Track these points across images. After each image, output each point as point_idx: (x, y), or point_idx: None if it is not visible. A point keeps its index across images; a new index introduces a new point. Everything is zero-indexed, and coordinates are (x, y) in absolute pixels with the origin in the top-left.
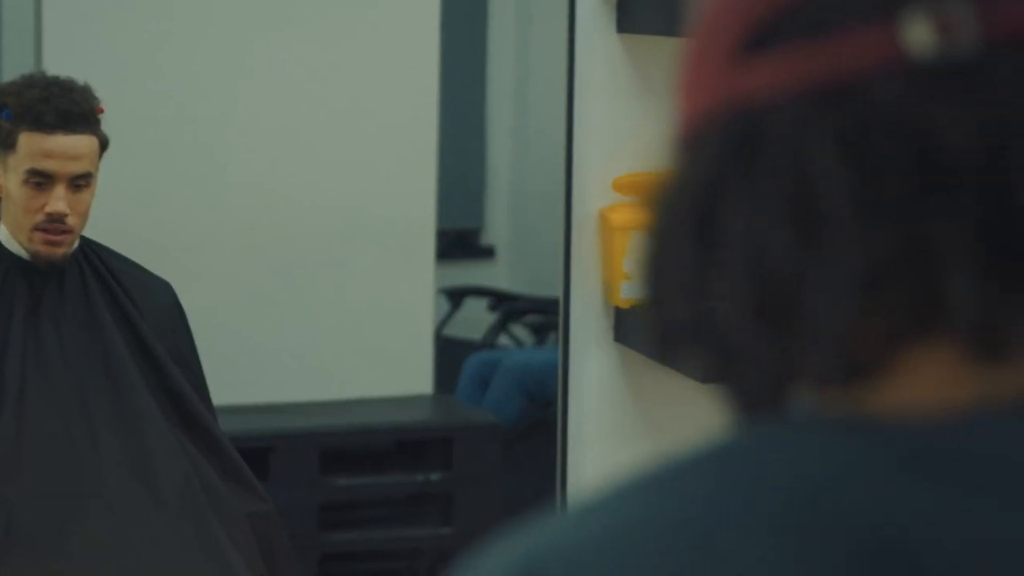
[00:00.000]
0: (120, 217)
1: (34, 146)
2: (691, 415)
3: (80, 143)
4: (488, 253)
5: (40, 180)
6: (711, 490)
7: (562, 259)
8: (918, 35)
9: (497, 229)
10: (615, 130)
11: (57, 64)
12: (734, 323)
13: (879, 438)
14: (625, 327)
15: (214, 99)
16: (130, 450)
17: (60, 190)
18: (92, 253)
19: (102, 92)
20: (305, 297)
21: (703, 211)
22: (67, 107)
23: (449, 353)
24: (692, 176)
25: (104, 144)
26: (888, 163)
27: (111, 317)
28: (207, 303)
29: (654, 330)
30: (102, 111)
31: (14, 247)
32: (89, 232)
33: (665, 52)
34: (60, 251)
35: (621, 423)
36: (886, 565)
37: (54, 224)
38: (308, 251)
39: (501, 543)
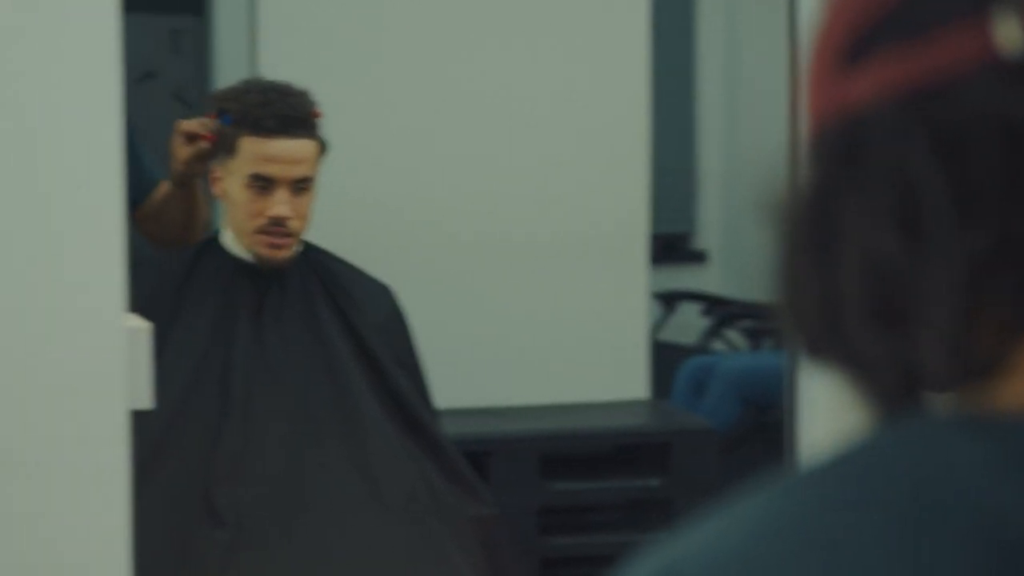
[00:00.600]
0: (340, 221)
1: (255, 150)
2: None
3: (300, 147)
4: (700, 257)
5: (262, 184)
6: (842, 494)
7: None
8: (1009, 33)
9: (709, 233)
10: None
11: (272, 70)
12: (855, 327)
13: (1002, 435)
14: None
15: (427, 106)
16: (354, 453)
17: (282, 194)
18: (314, 257)
19: (317, 97)
20: (522, 302)
21: (819, 219)
22: (286, 111)
23: (663, 358)
24: (810, 183)
25: (323, 148)
26: (982, 162)
27: (333, 320)
28: (427, 307)
29: (795, 336)
30: (320, 115)
31: (238, 250)
32: (310, 236)
33: None
34: (283, 254)
35: (850, 429)
36: (1016, 566)
37: (276, 228)
38: (524, 256)
39: (648, 551)
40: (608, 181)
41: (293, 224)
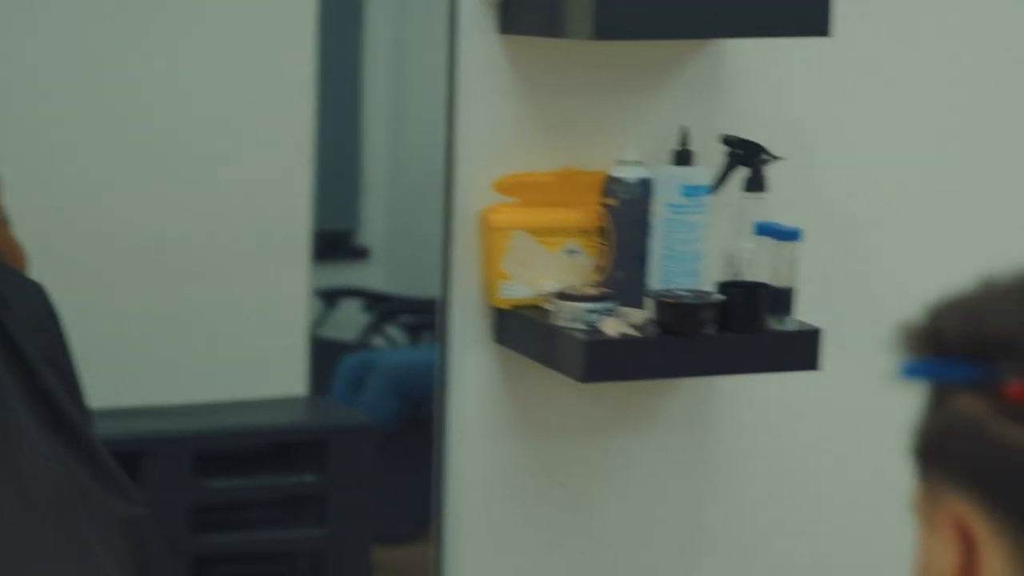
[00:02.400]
0: None
1: None
2: (571, 415)
3: None
4: (363, 254)
5: None
6: None
7: (441, 259)
8: None
9: (372, 230)
10: (496, 130)
11: None
12: None
13: None
14: (504, 327)
15: (78, 97)
16: None
17: None
18: None
19: None
20: (178, 299)
21: None
22: None
23: (323, 354)
24: None
25: None
26: None
27: None
28: (79, 304)
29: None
30: None
31: None
32: None
33: (546, 53)
34: None
35: (500, 423)
36: None
37: None
38: (181, 252)
39: None
40: (269, 177)
41: None
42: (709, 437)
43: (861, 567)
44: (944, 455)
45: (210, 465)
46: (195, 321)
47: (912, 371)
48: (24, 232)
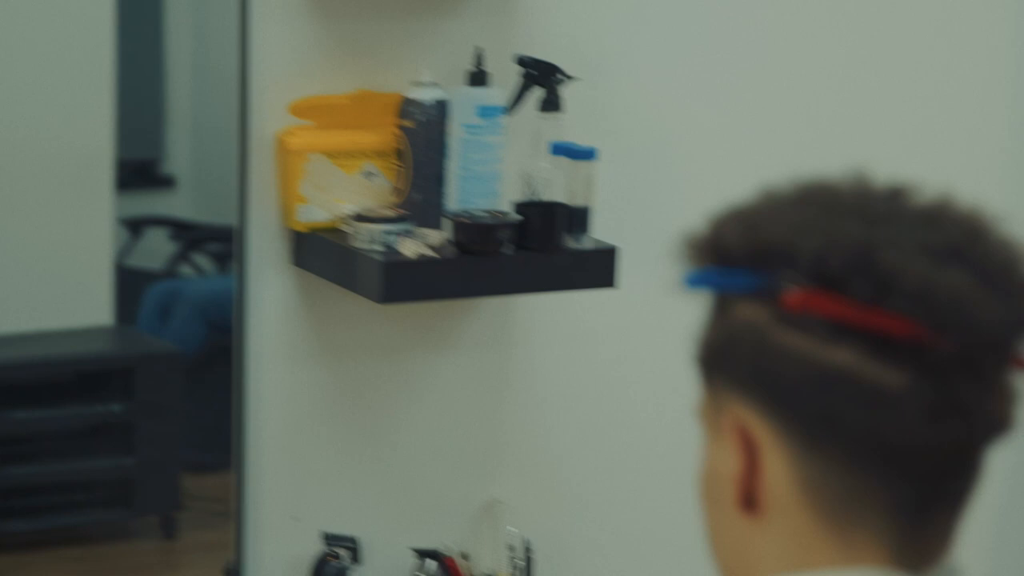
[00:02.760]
0: None
1: None
2: (371, 336)
3: None
4: (168, 183)
5: None
6: None
7: (237, 184)
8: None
9: (177, 158)
10: (291, 53)
11: None
12: None
13: None
14: (302, 251)
15: None
16: None
17: None
18: None
19: None
20: None
21: None
22: None
23: (129, 284)
24: None
25: None
26: None
27: None
28: None
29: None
30: None
31: None
32: None
33: None
34: None
35: (301, 346)
36: None
37: None
38: None
39: None
40: (70, 106)
41: None
42: (508, 355)
43: (657, 474)
44: (727, 362)
45: (14, 396)
46: None
47: (695, 281)
48: None
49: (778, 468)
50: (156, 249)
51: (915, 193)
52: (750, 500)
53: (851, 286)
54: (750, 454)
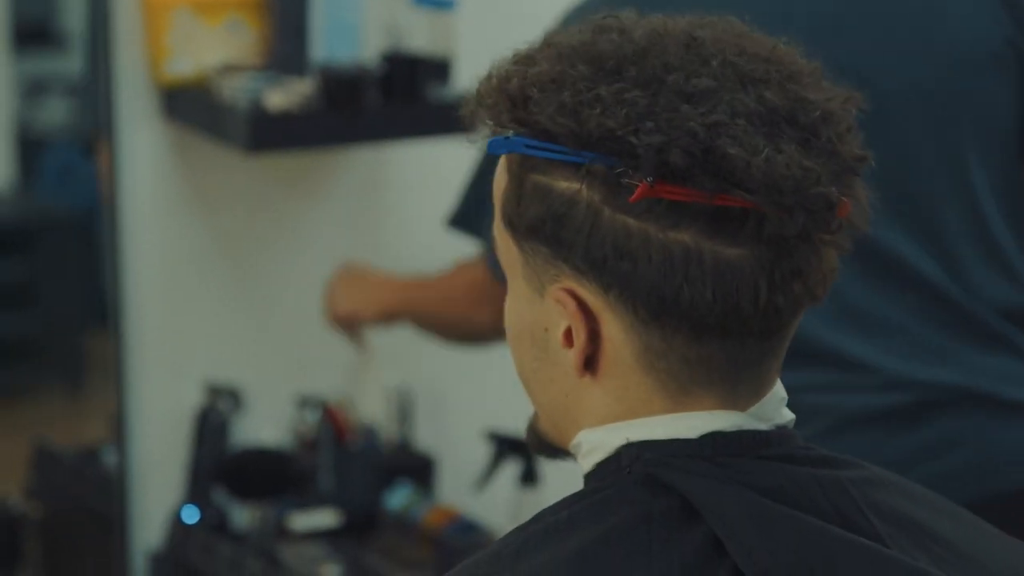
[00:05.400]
0: None
1: None
2: (242, 187)
3: None
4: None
5: None
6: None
7: (103, 39)
8: None
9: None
10: None
11: None
12: None
13: None
14: (170, 104)
15: None
16: None
17: None
18: None
19: None
20: None
21: None
22: None
23: (30, 147)
24: None
25: None
26: None
27: None
28: None
29: None
30: None
31: None
32: None
33: None
34: None
35: (173, 198)
36: None
37: None
38: None
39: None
40: None
41: None
42: (378, 203)
43: None
44: (552, 238)
45: None
46: None
47: (505, 148)
48: None
49: (617, 337)
50: (55, 113)
51: (706, 43)
52: (588, 364)
53: (694, 179)
54: (588, 323)
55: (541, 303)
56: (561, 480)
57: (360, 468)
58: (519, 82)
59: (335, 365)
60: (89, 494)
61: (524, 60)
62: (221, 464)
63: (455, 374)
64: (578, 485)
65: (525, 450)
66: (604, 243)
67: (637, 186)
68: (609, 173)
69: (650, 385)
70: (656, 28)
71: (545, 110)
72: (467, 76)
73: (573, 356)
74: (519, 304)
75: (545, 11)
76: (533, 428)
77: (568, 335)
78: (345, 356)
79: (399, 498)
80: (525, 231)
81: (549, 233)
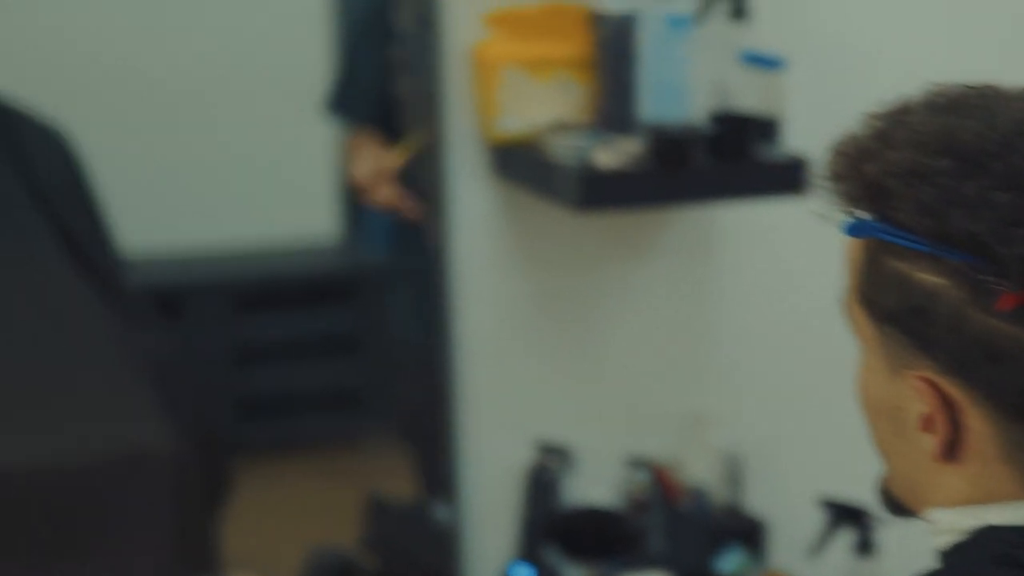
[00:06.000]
0: (20, 62)
1: None
2: (570, 244)
3: None
4: None
5: None
6: None
7: (434, 95)
8: None
9: None
10: None
11: None
12: None
13: None
14: (500, 161)
15: None
16: (25, 294)
17: None
18: None
19: None
20: (211, 145)
21: None
22: None
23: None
24: None
25: None
26: None
27: (6, 162)
28: (116, 151)
29: None
30: None
31: None
32: None
33: None
34: None
35: (501, 254)
36: None
37: None
38: (213, 99)
39: None
40: (287, 27)
41: None
42: (706, 263)
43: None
44: (914, 328)
45: (249, 306)
46: (226, 165)
47: (864, 232)
48: (59, 75)
49: (981, 430)
50: None
51: None
52: (948, 452)
53: None
54: (950, 413)
55: (896, 381)
56: (898, 550)
57: (690, 530)
58: (876, 168)
59: (665, 425)
60: (421, 547)
61: (879, 138)
62: (552, 522)
63: (786, 437)
64: (915, 556)
65: (860, 518)
66: (970, 345)
67: (1003, 290)
68: (973, 274)
69: (1008, 473)
70: (1020, 116)
71: (906, 206)
72: (795, 135)
73: (933, 443)
74: (873, 376)
75: (872, 71)
76: (885, 488)
77: (926, 420)
78: (672, 417)
79: (730, 562)
80: (883, 315)
81: (910, 324)
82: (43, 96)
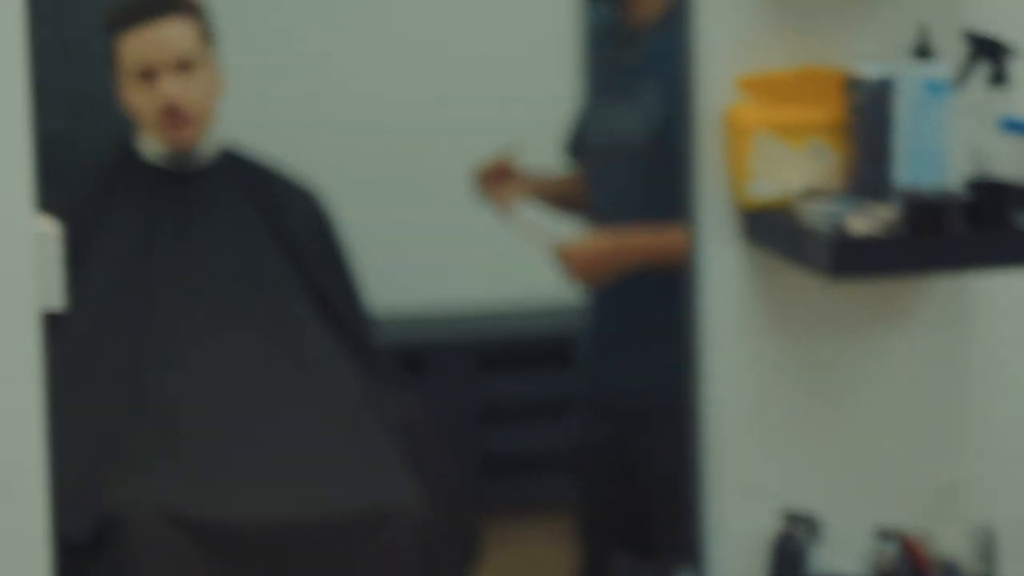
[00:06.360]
0: (272, 121)
1: (127, 47)
2: (821, 311)
3: (169, 28)
4: None
5: (146, 75)
6: None
7: (687, 158)
8: None
9: None
10: (736, 28)
11: None
12: None
13: None
14: (751, 226)
15: (368, 5)
16: (283, 351)
17: (165, 78)
18: (236, 160)
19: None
20: (458, 208)
21: None
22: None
23: None
24: None
25: (205, 29)
26: None
27: (257, 222)
28: (365, 210)
29: None
30: (191, 1)
31: (154, 158)
32: (247, 136)
33: None
34: (186, 136)
35: (752, 320)
36: None
37: (172, 116)
38: (461, 157)
39: None
40: (540, 84)
41: (188, 108)
42: (964, 333)
43: None
44: None
45: (492, 365)
46: (472, 226)
47: None
48: (310, 136)
49: None
50: None
51: None
52: None
53: None
54: None
55: None
56: None
57: None
58: None
59: (915, 496)
60: None
61: None
62: None
63: None
64: None
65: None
66: None
67: None
68: None
69: None
70: None
71: None
72: None
73: None
74: None
75: None
76: None
77: None
78: (926, 487)
79: None
80: None
81: None
82: (295, 155)
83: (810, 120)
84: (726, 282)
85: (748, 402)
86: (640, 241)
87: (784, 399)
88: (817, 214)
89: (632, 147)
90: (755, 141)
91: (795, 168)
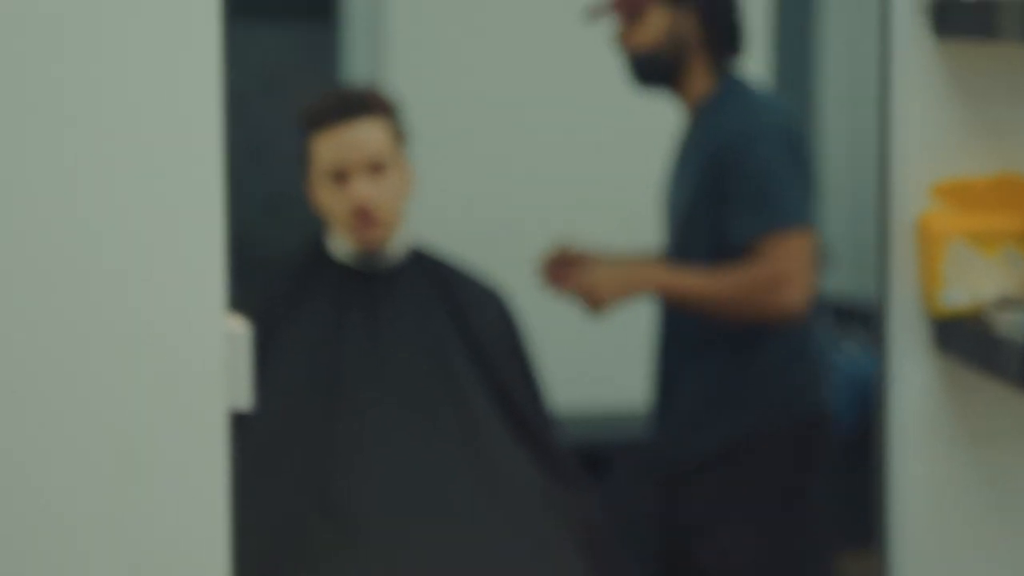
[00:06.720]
0: (459, 222)
1: (322, 146)
2: (1015, 426)
3: (363, 129)
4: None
5: (339, 176)
6: None
7: (878, 265)
8: None
9: (831, 231)
10: (930, 135)
11: (399, 78)
12: None
13: None
14: (943, 336)
15: (555, 107)
16: (467, 454)
17: (357, 180)
18: (424, 260)
19: (446, 102)
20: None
21: None
22: (339, 98)
23: None
24: None
25: (398, 131)
26: None
27: (444, 323)
28: (549, 310)
29: None
30: (381, 98)
31: (343, 257)
32: (433, 239)
33: (981, 56)
34: (375, 237)
35: (943, 433)
36: None
37: (363, 217)
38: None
39: None
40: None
41: (379, 210)
42: None
43: None
44: None
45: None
46: (650, 325)
47: None
48: (493, 237)
49: None
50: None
51: None
52: None
53: None
54: None
55: None
56: None
57: None
58: None
59: None
60: None
61: None
62: None
63: None
64: None
65: None
66: None
67: None
68: None
69: None
70: None
71: None
72: None
73: None
74: None
75: None
76: None
77: None
78: None
79: None
80: None
81: None
82: (482, 255)
83: (1005, 228)
84: (916, 391)
85: (937, 519)
86: (656, 273)
87: (975, 517)
88: (1011, 324)
89: (681, 215)
90: (948, 249)
91: (988, 276)
